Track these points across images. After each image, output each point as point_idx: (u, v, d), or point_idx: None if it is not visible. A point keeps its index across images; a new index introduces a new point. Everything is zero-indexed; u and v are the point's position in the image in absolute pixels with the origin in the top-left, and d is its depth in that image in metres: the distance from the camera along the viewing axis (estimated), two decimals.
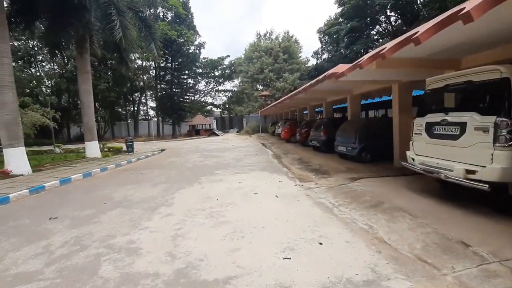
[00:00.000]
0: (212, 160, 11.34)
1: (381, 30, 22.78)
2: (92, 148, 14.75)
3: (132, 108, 42.60)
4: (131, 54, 18.38)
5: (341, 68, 6.36)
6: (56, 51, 16.99)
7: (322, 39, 32.79)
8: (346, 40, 21.19)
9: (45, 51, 15.84)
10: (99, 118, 37.90)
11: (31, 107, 17.68)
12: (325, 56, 33.87)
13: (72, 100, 32.82)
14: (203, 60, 45.48)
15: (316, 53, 33.73)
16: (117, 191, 6.37)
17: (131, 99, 40.99)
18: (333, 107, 18.65)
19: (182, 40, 32.61)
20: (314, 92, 11.23)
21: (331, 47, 32.43)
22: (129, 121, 40.85)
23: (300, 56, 39.91)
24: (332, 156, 10.56)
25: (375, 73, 6.32)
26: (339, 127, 10.45)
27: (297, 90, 11.72)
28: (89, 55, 15.24)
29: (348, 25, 21.02)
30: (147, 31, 16.07)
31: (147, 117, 41.33)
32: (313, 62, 39.43)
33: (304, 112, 28.73)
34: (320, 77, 7.63)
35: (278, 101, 17.78)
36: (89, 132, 14.67)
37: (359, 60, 5.16)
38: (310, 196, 5.20)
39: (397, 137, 7.85)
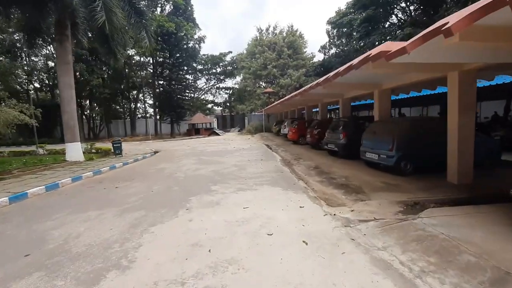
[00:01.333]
0: (210, 167, 9.40)
1: (397, 21, 20.69)
2: (74, 150, 12.87)
3: (129, 106, 40.77)
4: (124, 47, 16.36)
5: (390, 46, 4.39)
6: (36, 39, 15.03)
7: (330, 33, 30.73)
8: (360, 30, 19.11)
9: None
10: (94, 115, 36.17)
11: (9, 103, 15.75)
12: (333, 51, 31.82)
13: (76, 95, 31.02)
14: (203, 56, 43.55)
15: (323, 48, 31.69)
16: (65, 223, 4.41)
17: (129, 96, 39.14)
18: (352, 105, 16.61)
19: (181, 34, 30.63)
20: (333, 85, 9.18)
21: (339, 41, 30.38)
22: (126, 120, 38.99)
23: (305, 52, 37.84)
24: (356, 164, 8.60)
25: (438, 53, 4.35)
26: (365, 129, 8.49)
27: (316, 82, 9.66)
28: (71, 43, 13.35)
29: (363, 14, 18.94)
30: (138, 18, 14.14)
31: (146, 115, 39.45)
32: (319, 57, 37.43)
33: (313, 110, 26.81)
34: (355, 61, 5.64)
35: (286, 97, 15.86)
36: (69, 132, 12.77)
37: (439, 25, 3.18)
38: (359, 243, 3.25)
39: (454, 144, 5.88)
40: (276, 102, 19.30)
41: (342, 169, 8.00)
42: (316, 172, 7.90)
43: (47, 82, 30.67)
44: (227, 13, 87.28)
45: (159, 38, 29.66)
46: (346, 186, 6.14)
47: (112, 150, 14.12)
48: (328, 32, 30.99)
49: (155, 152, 15.80)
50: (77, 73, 26.16)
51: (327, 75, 7.98)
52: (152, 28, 28.74)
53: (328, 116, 22.67)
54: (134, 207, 5.09)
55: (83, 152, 15.93)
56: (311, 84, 10.87)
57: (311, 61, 34.91)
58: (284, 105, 22.13)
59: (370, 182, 6.39)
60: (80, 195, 6.53)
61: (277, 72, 34.59)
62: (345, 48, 29.79)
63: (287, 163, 10.00)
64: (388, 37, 19.38)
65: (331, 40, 31.15)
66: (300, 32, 37.02)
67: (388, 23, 21.55)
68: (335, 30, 28.38)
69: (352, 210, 4.56)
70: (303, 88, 12.69)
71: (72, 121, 13.05)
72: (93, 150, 16.51)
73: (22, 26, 14.64)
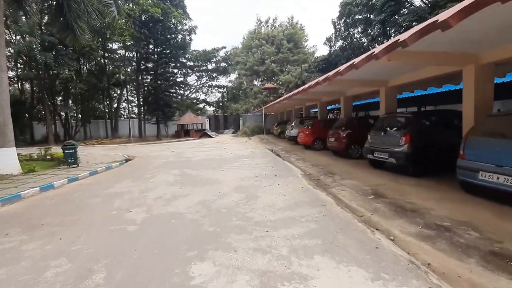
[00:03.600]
0: (195, 194, 5.69)
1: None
2: (4, 159, 9.00)
3: (112, 105, 36.56)
4: (88, 23, 12.49)
5: None
6: None
7: (337, 24, 27.51)
8: (386, 10, 15.80)
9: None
10: (67, 114, 31.81)
11: None
12: (339, 44, 28.60)
13: (39, 91, 26.18)
14: (194, 52, 39.79)
15: (329, 40, 28.46)
16: None
17: (110, 94, 34.95)
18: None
19: (169, 23, 26.83)
20: (338, 82, 8.02)
21: (348, 32, 27.16)
22: (108, 120, 34.71)
23: (307, 46, 34.61)
24: (450, 187, 5.10)
25: None
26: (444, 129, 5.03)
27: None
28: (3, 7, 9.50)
29: None
30: None
31: (129, 115, 35.31)
32: (322, 51, 34.24)
33: (312, 111, 23.61)
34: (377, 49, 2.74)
35: (295, 91, 12.42)
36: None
37: None
38: None
39: None
40: (281, 98, 15.83)
41: (442, 202, 4.45)
42: (392, 209, 4.33)
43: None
44: (221, 11, 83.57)
45: (141, 25, 25.86)
46: (501, 257, 2.59)
47: (68, 157, 10.22)
48: (334, 23, 27.78)
49: (127, 160, 11.99)
50: (41, 63, 22.03)
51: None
52: (136, 13, 25.09)
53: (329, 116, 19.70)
54: None
55: (27, 160, 12.08)
56: (318, 79, 9.15)
57: (313, 56, 31.61)
58: (283, 104, 18.70)
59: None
60: None
61: (276, 67, 31.15)
62: (358, 38, 26.64)
63: (318, 183, 6.45)
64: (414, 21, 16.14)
65: (338, 32, 27.94)
66: (301, 25, 33.78)
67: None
68: (347, 18, 25.15)
69: None
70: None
71: (1, 117, 9.21)
72: (48, 156, 12.66)
73: None
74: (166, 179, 6.99)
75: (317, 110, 24.12)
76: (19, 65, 24.40)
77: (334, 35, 28.39)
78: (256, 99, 32.00)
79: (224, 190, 5.83)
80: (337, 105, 22.82)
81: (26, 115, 27.31)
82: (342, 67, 6.59)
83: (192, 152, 14.06)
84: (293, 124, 16.24)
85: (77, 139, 30.38)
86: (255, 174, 7.56)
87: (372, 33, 27.71)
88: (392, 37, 24.15)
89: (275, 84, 30.44)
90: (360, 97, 13.12)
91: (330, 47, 28.73)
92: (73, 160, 10.17)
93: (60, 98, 29.67)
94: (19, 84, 28.30)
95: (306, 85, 11.41)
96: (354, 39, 27.82)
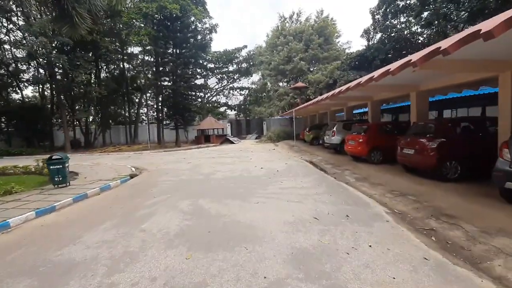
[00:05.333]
0: (211, 282, 2.89)
1: None
2: None
3: (131, 110, 35.42)
4: (90, 12, 10.43)
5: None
6: None
7: (376, 13, 23.95)
8: None
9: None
10: (87, 120, 30.91)
11: None
12: (379, 36, 24.95)
13: (56, 96, 25.04)
14: (215, 53, 37.88)
15: (366, 32, 24.88)
16: None
17: (130, 99, 33.84)
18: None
19: (188, 20, 24.86)
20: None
21: (388, 22, 23.53)
22: (129, 126, 33.49)
23: (339, 42, 31.21)
24: None
25: None
26: None
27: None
28: None
29: None
30: None
31: (148, 120, 33.91)
32: (356, 47, 30.67)
33: (337, 115, 20.44)
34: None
35: (337, 91, 9.43)
36: None
37: None
38: None
39: None
40: (320, 98, 12.83)
41: None
42: None
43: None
44: (241, 16, 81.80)
45: (158, 24, 24.07)
46: None
47: (54, 174, 7.93)
48: (373, 13, 24.24)
49: (132, 176, 9.57)
50: (55, 66, 20.79)
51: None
52: (153, 10, 23.33)
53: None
54: None
55: (18, 174, 10.18)
56: (349, 85, 8.26)
57: (348, 52, 28.14)
58: (318, 105, 15.77)
59: None
60: None
61: (304, 65, 28.08)
62: (400, 29, 22.97)
63: (451, 247, 3.39)
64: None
65: (377, 23, 24.32)
66: (331, 19, 30.48)
67: None
68: (388, 6, 21.64)
69: None
70: (346, 86, 6.62)
71: None
72: (45, 170, 10.70)
73: None
74: (166, 226, 4.20)
75: (343, 114, 21.01)
76: (32, 68, 23.47)
77: (372, 27, 24.78)
78: (281, 101, 29.08)
79: (271, 267, 2.95)
80: (362, 109, 19.54)
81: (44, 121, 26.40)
82: (376, 73, 6.27)
83: (211, 165, 11.40)
84: (334, 129, 13.10)
85: (96, 145, 29.35)
86: (312, 213, 4.62)
87: (417, 23, 23.92)
88: (438, 29, 20.35)
89: (304, 83, 27.34)
90: (385, 101, 12.72)
91: (368, 40, 25.15)
92: (60, 179, 7.87)
93: (79, 103, 28.69)
94: (40, 89, 27.69)
95: (345, 87, 9.24)
96: (396, 31, 24.08)
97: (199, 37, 27.22)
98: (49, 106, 27.94)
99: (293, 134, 28.11)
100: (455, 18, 18.36)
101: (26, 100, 28.55)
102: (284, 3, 77.85)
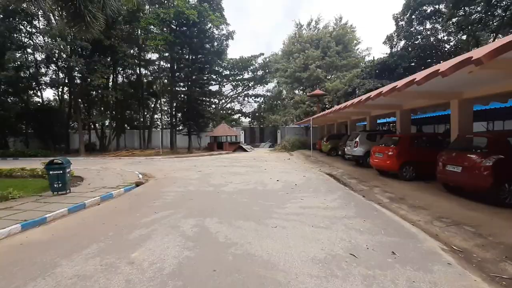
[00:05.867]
0: None
1: None
2: None
3: (146, 115, 35.58)
4: (102, 9, 10.14)
5: None
6: None
7: (400, 18, 22.81)
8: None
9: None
10: (103, 124, 31.12)
11: None
12: (402, 43, 23.71)
13: (73, 99, 25.19)
14: (231, 60, 37.70)
15: (389, 39, 23.68)
16: None
17: (146, 104, 33.99)
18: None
19: (207, 26, 24.74)
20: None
21: (412, 29, 22.31)
22: (143, 130, 33.56)
23: (358, 49, 30.14)
24: None
25: None
26: None
27: (393, 86, 5.56)
28: None
29: None
30: None
31: (162, 125, 33.88)
32: (377, 55, 29.56)
33: (358, 124, 19.27)
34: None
35: (368, 96, 8.37)
36: None
37: None
38: None
39: None
40: (343, 105, 11.80)
41: None
42: None
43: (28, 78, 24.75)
44: (257, 25, 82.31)
45: (175, 29, 24.03)
46: None
47: (54, 180, 7.34)
48: (396, 19, 23.10)
49: (137, 184, 8.88)
50: (71, 69, 20.96)
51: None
52: (170, 15, 23.34)
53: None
54: None
55: (25, 177, 9.79)
56: (382, 90, 7.14)
57: (368, 60, 26.98)
58: (336, 114, 14.76)
59: None
60: None
61: (321, 73, 27.14)
62: (426, 35, 21.72)
63: None
64: None
65: (400, 30, 23.11)
66: (351, 25, 29.54)
67: None
68: (414, 12, 20.52)
69: None
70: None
71: None
72: (41, 174, 10.33)
73: None
74: (161, 257, 3.29)
75: (364, 123, 19.74)
76: (50, 71, 23.86)
77: (396, 33, 23.59)
78: (297, 109, 28.15)
79: None
80: (387, 119, 18.25)
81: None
82: (418, 75, 5.47)
83: (223, 175, 10.57)
84: (357, 139, 11.99)
85: (110, 149, 29.38)
86: (346, 246, 3.62)
87: (445, 30, 22.57)
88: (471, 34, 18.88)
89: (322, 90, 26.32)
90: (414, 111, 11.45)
91: (391, 47, 23.90)
92: (60, 185, 7.27)
93: (95, 107, 29.00)
94: (60, 93, 28.23)
95: (374, 92, 8.32)
96: (422, 38, 22.78)
97: (215, 43, 27.00)
98: (66, 109, 28.42)
99: (308, 143, 26.99)
100: (491, 22, 16.99)
101: (46, 103, 29.15)
102: (299, 13, 77.86)
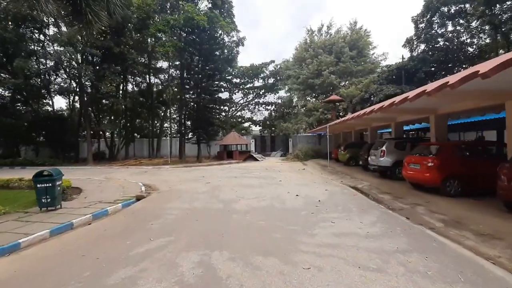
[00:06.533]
0: None
1: None
2: None
3: (155, 123, 35.19)
4: (107, 9, 9.51)
5: None
6: None
7: (420, 21, 21.58)
8: None
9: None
10: (113, 133, 30.78)
11: None
12: (422, 47, 22.37)
13: (86, 106, 24.62)
14: (241, 68, 37.19)
15: (408, 42, 22.37)
16: None
17: (160, 112, 33.70)
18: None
19: (218, 33, 24.27)
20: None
21: (433, 31, 21.01)
22: (152, 139, 33.08)
23: (373, 54, 28.94)
24: None
25: None
26: None
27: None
28: None
29: None
30: None
31: (171, 133, 33.29)
32: (392, 59, 28.28)
33: (380, 132, 17.91)
34: None
35: (401, 98, 7.13)
36: None
37: None
38: None
39: None
40: (369, 109, 10.57)
41: None
42: None
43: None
44: (268, 35, 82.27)
45: (186, 36, 23.61)
46: None
47: (42, 195, 6.42)
48: (416, 21, 21.86)
49: (138, 199, 7.87)
50: (79, 76, 20.63)
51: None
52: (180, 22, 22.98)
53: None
54: None
55: (22, 188, 9.05)
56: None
57: (384, 66, 25.66)
58: (353, 121, 13.46)
59: None
60: None
61: (335, 79, 26.01)
62: (448, 38, 20.38)
63: None
64: None
65: (420, 32, 21.81)
66: (365, 29, 28.49)
67: None
68: (435, 13, 19.30)
69: None
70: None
71: None
72: (22, 186, 9.52)
73: None
74: None
75: (386, 131, 18.33)
76: (59, 79, 23.71)
77: (415, 36, 22.30)
78: (310, 116, 26.96)
79: None
80: (411, 126, 16.81)
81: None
82: (453, 78, 4.87)
83: (234, 188, 9.46)
84: (383, 148, 10.67)
85: (119, 158, 28.87)
86: None
87: (469, 31, 21.15)
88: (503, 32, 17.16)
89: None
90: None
91: (411, 50, 22.56)
92: (49, 200, 6.35)
93: (105, 115, 28.73)
94: (71, 101, 28.16)
95: (413, 93, 7.04)
96: (444, 40, 21.42)
97: (225, 50, 26.43)
98: (76, 118, 28.27)
99: (322, 152, 25.62)
100: None
101: (57, 111, 29.12)
102: (308, 22, 77.48)
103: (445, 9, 20.58)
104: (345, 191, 8.48)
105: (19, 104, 24.97)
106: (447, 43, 20.67)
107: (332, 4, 77.38)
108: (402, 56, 22.19)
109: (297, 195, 7.64)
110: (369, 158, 11.99)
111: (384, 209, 6.23)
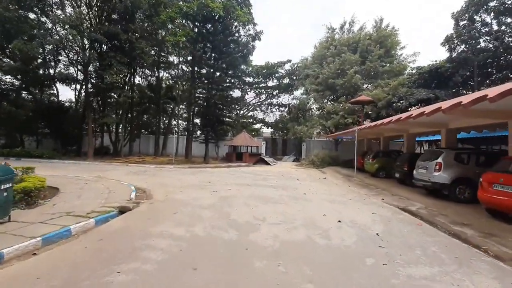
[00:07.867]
0: None
1: None
2: None
3: (163, 120, 33.53)
4: None
5: None
6: None
7: (460, 18, 19.05)
8: None
9: None
10: (117, 128, 29.17)
11: None
12: (462, 47, 19.80)
13: (89, 96, 22.97)
14: (255, 67, 35.27)
15: (448, 40, 19.82)
16: None
17: (168, 108, 32.03)
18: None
19: (234, 24, 22.42)
20: None
21: (473, 32, 18.43)
22: (159, 136, 31.37)
23: (402, 54, 26.44)
24: None
25: None
26: None
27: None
28: None
29: None
30: None
31: (178, 131, 31.52)
32: (424, 60, 25.79)
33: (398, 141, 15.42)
34: None
35: (480, 95, 4.99)
36: None
37: None
38: None
39: None
40: (417, 112, 8.30)
41: None
42: None
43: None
44: (282, 33, 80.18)
45: (199, 25, 21.83)
46: None
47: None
48: (456, 18, 19.33)
49: (121, 212, 5.84)
50: (82, 63, 19.01)
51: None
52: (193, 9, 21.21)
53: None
54: None
55: None
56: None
57: (415, 67, 23.10)
58: (393, 125, 11.15)
59: None
60: None
61: (360, 80, 23.67)
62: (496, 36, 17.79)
63: None
64: None
65: (460, 31, 19.26)
66: (393, 27, 26.07)
67: None
68: (477, 11, 16.77)
69: None
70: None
71: None
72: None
73: None
74: None
75: (425, 138, 15.87)
76: (61, 65, 22.22)
77: (455, 35, 19.75)
78: (329, 120, 24.64)
79: None
80: (431, 136, 14.39)
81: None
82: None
83: (248, 202, 7.32)
84: (440, 160, 8.34)
85: (122, 154, 27.21)
86: None
87: None
88: None
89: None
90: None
91: (451, 50, 19.98)
92: None
93: (109, 108, 27.14)
94: (77, 92, 26.69)
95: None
96: (488, 41, 18.85)
97: (240, 44, 24.46)
98: (81, 109, 26.77)
99: (340, 159, 23.20)
100: None
101: (64, 102, 27.74)
102: (327, 22, 74.99)
103: (492, 4, 17.99)
104: (400, 217, 6.21)
105: (23, 93, 23.69)
106: (496, 42, 18.03)
107: (352, 5, 74.86)
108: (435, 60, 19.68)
109: (339, 221, 5.43)
110: (414, 171, 9.66)
111: (487, 258, 3.96)
